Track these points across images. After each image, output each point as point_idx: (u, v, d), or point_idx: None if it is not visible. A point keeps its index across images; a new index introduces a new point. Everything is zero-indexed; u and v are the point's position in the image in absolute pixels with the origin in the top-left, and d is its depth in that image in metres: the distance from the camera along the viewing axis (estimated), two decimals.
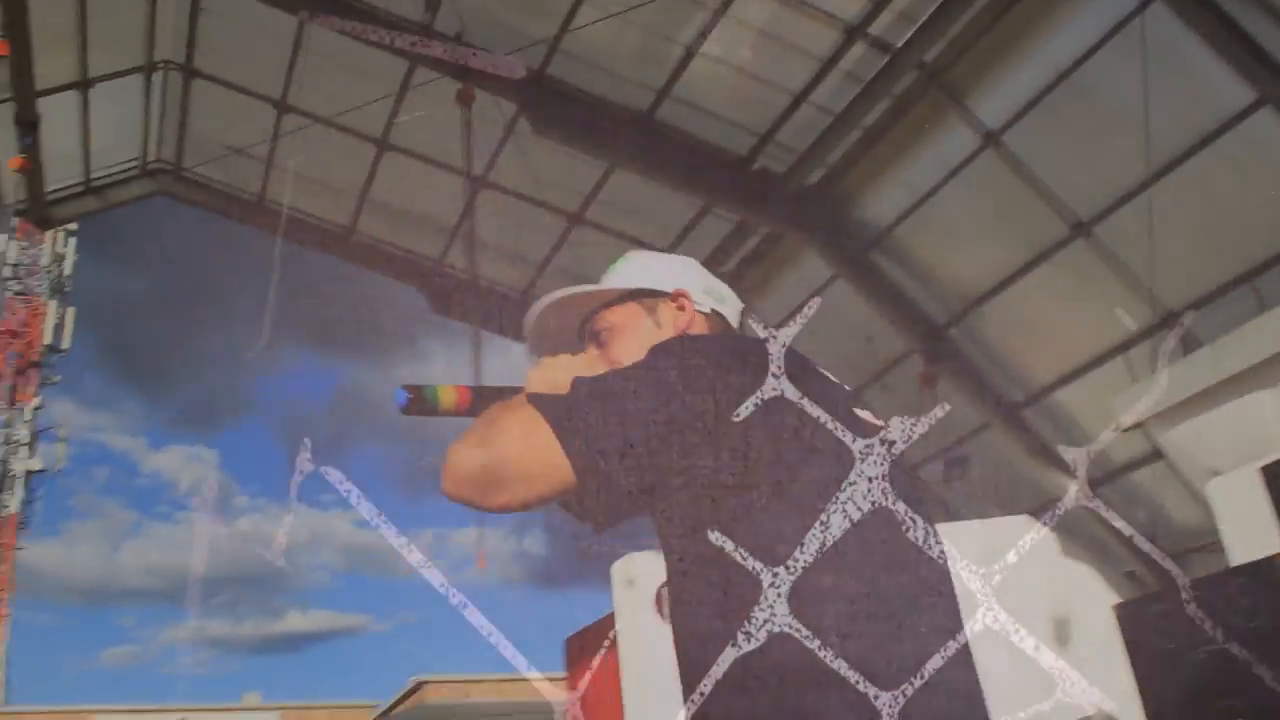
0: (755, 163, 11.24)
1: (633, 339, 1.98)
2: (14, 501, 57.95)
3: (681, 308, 2.02)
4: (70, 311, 59.39)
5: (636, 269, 2.12)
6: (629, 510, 1.77)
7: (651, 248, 12.89)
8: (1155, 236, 8.37)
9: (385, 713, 38.42)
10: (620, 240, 12.88)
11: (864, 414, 1.90)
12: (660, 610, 12.13)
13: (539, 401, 1.71)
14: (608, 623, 13.49)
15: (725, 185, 11.50)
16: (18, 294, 58.59)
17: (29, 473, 58.95)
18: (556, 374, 1.89)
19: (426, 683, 36.22)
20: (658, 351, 1.74)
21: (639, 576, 12.47)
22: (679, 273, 2.11)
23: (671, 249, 12.93)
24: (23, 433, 59.13)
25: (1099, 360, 10.44)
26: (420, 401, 2.19)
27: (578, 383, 1.73)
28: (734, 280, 13.58)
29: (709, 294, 2.10)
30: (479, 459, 1.70)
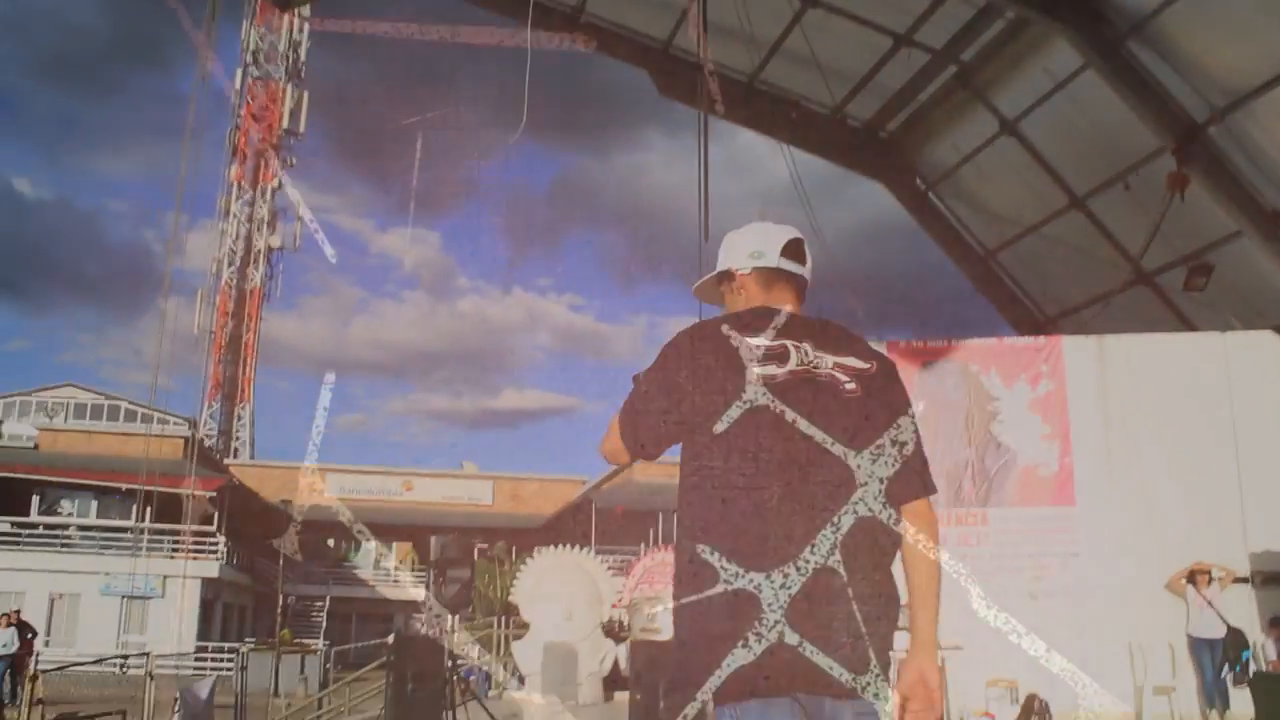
0: None
1: (734, 289, 2.74)
2: (257, 276, 62.15)
3: (732, 284, 2.74)
4: (305, 96, 61.81)
5: (722, 252, 2.81)
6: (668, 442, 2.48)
7: (888, 33, 12.37)
8: None
9: (594, 487, 40.35)
10: (853, 25, 12.37)
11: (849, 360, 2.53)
12: None
13: (623, 410, 2.56)
14: None
15: None
16: (257, 79, 61.25)
17: (269, 249, 62.94)
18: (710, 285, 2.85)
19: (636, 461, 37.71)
20: (672, 346, 2.51)
21: None
22: (733, 252, 2.77)
23: (909, 33, 12.35)
24: (263, 212, 62.91)
25: None
26: None
27: (636, 379, 2.56)
28: (975, 70, 12.95)
29: (752, 256, 2.73)
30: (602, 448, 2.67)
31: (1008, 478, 11.80)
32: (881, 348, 12.44)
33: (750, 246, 2.73)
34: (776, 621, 2.23)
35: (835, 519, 2.29)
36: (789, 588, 2.22)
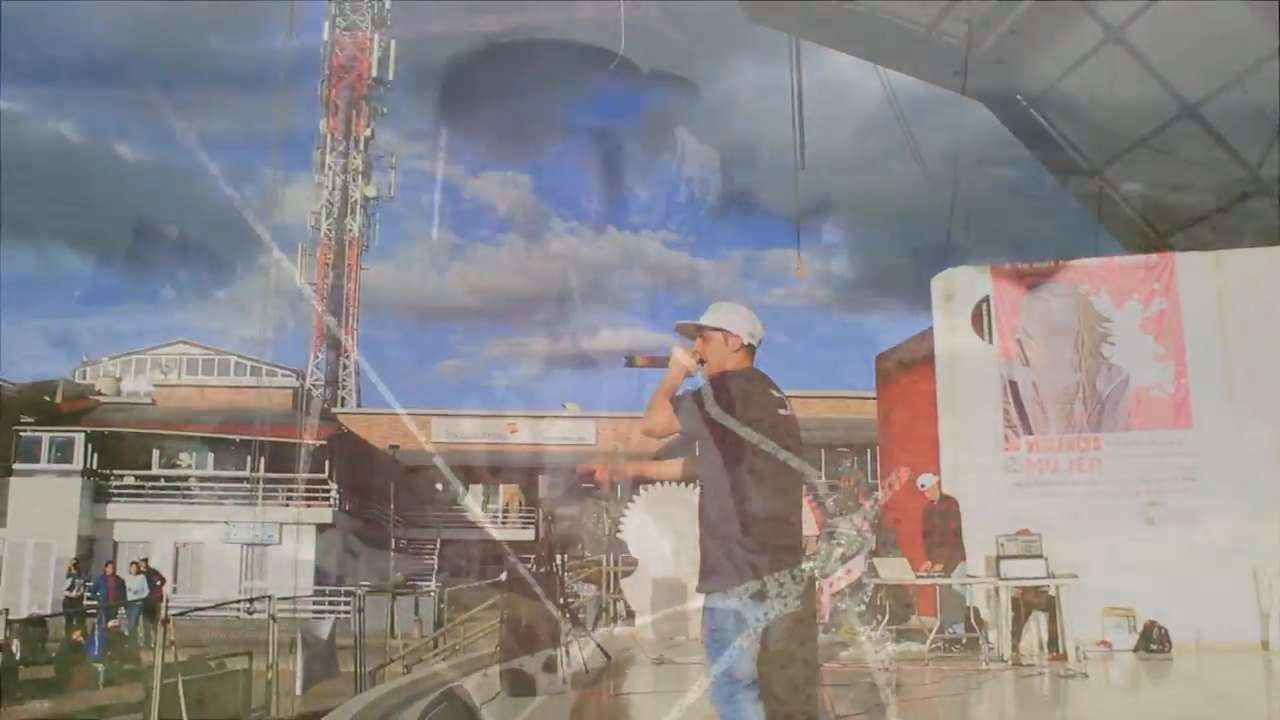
0: None
1: (713, 350, 4.12)
2: (355, 226, 63.03)
3: (733, 346, 4.11)
4: (392, 44, 62.06)
5: (722, 314, 4.15)
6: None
7: None
8: None
9: None
10: None
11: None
12: (978, 327, 11.92)
13: (675, 400, 4.06)
14: (919, 340, 13.47)
15: None
16: (344, 30, 61.66)
17: (365, 199, 63.74)
18: (679, 357, 4.14)
19: None
20: (717, 380, 4.03)
21: (958, 291, 12.26)
22: (739, 321, 4.12)
23: None
24: (357, 162, 63.63)
25: None
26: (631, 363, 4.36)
27: (681, 396, 4.06)
28: None
29: (750, 335, 4.12)
30: (646, 425, 4.19)
31: (1120, 400, 11.47)
32: (986, 273, 12.15)
33: (749, 326, 4.13)
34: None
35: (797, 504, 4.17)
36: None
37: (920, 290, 12.57)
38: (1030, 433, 11.65)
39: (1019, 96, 14.44)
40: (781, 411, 4.00)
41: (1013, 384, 11.75)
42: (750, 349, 4.09)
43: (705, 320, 4.11)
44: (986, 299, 11.96)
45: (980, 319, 11.93)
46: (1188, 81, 12.53)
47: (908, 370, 13.86)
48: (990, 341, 11.87)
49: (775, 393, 4.02)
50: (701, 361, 4.09)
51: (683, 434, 4.03)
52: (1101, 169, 14.45)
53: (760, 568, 3.79)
